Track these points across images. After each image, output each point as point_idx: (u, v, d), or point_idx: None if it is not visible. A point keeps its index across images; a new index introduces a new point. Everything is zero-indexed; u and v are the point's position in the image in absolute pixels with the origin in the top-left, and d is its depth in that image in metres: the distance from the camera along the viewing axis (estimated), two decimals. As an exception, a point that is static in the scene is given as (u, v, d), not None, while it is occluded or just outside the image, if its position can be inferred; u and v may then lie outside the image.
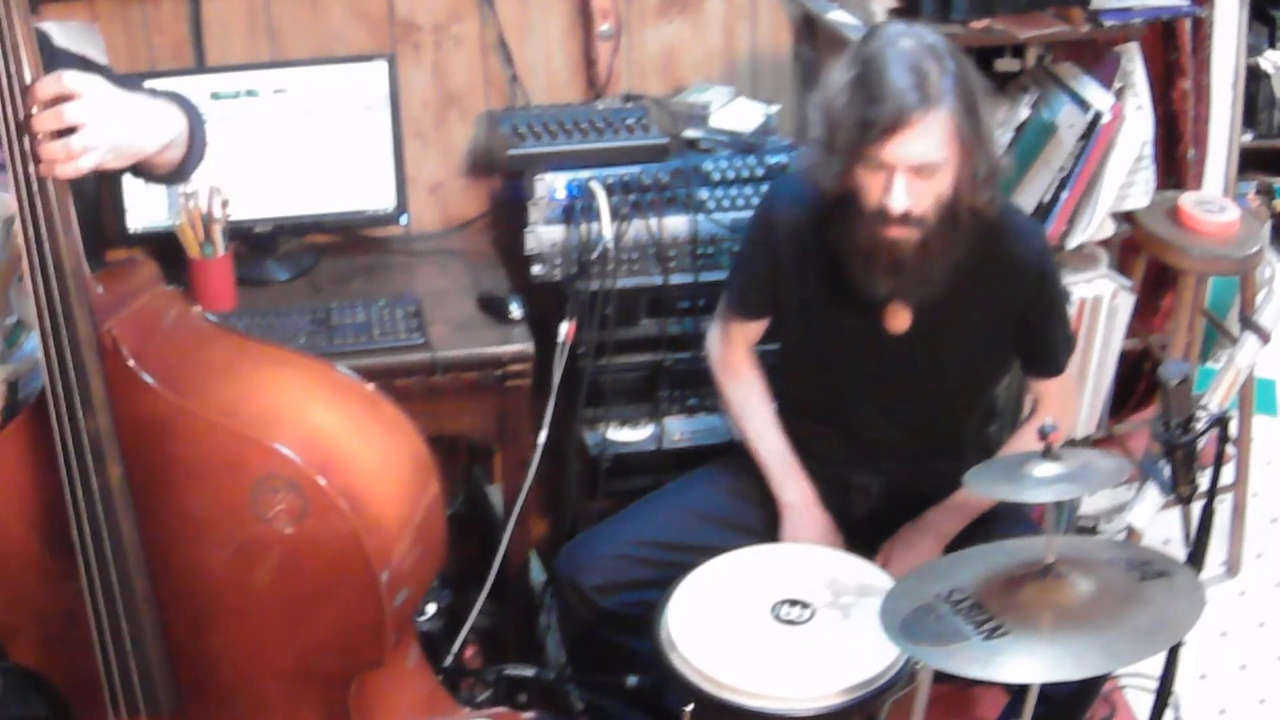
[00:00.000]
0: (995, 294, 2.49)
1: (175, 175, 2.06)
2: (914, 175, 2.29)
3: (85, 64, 2.00)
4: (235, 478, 1.84)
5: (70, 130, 1.73)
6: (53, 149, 1.73)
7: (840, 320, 2.52)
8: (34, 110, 1.73)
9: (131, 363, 1.82)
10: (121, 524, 1.86)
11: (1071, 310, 3.02)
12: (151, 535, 1.88)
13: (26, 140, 1.74)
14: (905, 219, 2.31)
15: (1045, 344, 2.57)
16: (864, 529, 2.61)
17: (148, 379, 1.83)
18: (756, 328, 2.67)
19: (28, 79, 1.73)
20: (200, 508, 1.87)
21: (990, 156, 2.36)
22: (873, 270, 2.39)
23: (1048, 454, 1.98)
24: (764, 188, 2.89)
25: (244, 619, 1.92)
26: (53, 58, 1.88)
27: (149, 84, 2.09)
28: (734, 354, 2.69)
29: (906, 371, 2.53)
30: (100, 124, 1.76)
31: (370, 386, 1.98)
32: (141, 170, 1.98)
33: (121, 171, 1.94)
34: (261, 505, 1.84)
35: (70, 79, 1.75)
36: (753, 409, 2.68)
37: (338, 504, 1.84)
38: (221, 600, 1.91)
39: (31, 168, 1.75)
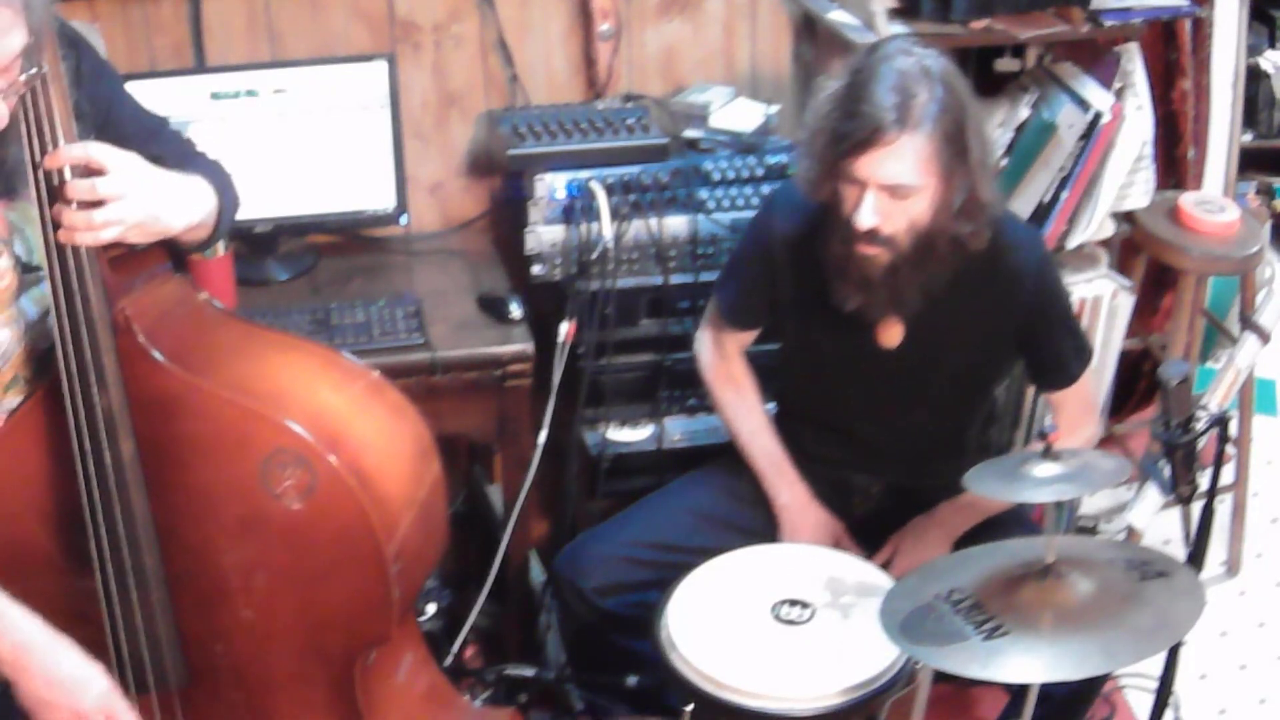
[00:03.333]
0: (992, 307, 2.47)
1: (197, 248, 2.09)
2: (886, 195, 2.27)
3: (103, 65, 2.01)
4: (245, 454, 1.86)
5: (99, 203, 1.75)
6: (75, 218, 1.74)
7: (834, 331, 2.51)
8: (67, 177, 1.73)
9: (143, 340, 1.84)
10: (133, 500, 1.87)
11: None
12: (162, 512, 1.90)
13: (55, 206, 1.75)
14: (873, 237, 2.30)
15: (1052, 355, 2.54)
16: (865, 529, 2.61)
17: (159, 357, 1.85)
18: (748, 335, 2.67)
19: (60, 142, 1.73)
20: (210, 484, 1.88)
21: (975, 189, 2.31)
22: (843, 283, 2.38)
23: (1048, 454, 1.98)
24: (764, 188, 2.90)
25: (252, 595, 1.93)
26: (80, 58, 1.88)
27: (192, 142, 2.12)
28: (726, 360, 2.69)
29: (901, 383, 2.53)
30: (130, 201, 1.77)
31: (375, 373, 2.01)
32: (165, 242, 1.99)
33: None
34: (271, 481, 1.86)
35: (99, 151, 1.75)
36: (745, 412, 2.67)
37: (346, 480, 1.86)
38: (230, 576, 1.92)
39: (51, 231, 1.76)
